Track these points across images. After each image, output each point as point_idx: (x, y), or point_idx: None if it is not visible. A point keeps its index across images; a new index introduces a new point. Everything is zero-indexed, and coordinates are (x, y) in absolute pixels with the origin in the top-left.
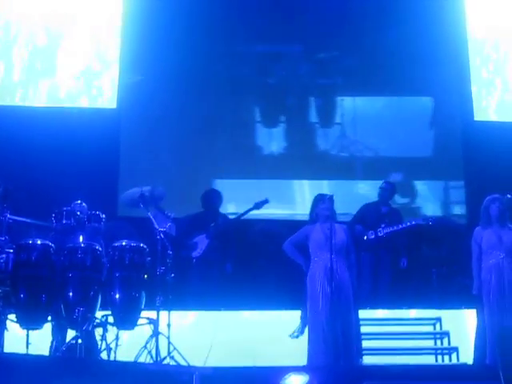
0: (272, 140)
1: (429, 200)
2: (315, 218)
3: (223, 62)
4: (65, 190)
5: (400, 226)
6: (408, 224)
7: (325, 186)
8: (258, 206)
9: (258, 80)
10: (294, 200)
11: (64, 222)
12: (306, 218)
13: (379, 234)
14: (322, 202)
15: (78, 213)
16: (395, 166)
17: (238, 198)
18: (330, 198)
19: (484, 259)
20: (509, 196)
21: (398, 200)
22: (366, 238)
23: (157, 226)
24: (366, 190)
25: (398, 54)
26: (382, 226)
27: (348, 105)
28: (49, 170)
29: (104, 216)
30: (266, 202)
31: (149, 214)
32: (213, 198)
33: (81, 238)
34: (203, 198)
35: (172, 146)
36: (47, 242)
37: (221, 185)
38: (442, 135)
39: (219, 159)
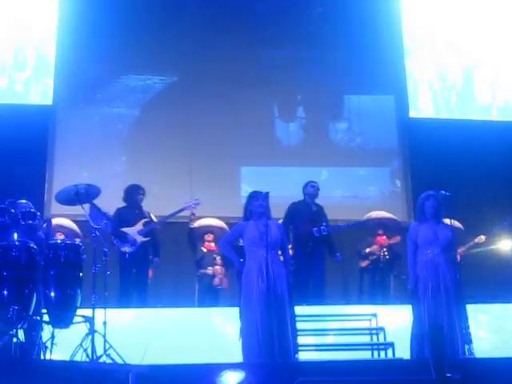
0: (289, 133)
1: None
2: (249, 215)
3: (246, 64)
4: None
5: (345, 226)
6: (351, 225)
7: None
8: (189, 206)
9: (276, 81)
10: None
11: None
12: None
13: (323, 233)
14: (255, 199)
15: (12, 210)
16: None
17: (261, 183)
18: (265, 195)
19: (419, 254)
20: (443, 192)
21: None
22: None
23: (92, 224)
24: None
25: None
26: (324, 224)
27: (354, 102)
28: None
29: (39, 214)
30: (197, 203)
31: (84, 211)
32: (138, 194)
33: (15, 236)
34: (128, 194)
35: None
36: None
37: (246, 171)
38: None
39: (244, 149)
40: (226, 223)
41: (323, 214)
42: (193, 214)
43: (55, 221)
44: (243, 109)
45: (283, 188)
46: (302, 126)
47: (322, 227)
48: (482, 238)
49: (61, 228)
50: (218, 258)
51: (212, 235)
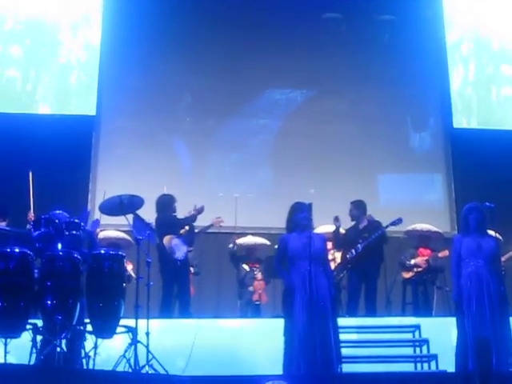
0: (421, 142)
1: None
2: (293, 227)
3: (381, 81)
4: (42, 199)
5: (373, 237)
6: (379, 232)
7: None
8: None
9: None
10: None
11: (42, 230)
12: None
13: (358, 251)
14: (300, 211)
15: (57, 221)
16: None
17: (394, 190)
18: (309, 206)
19: (463, 266)
20: (487, 204)
21: None
22: (348, 256)
23: (136, 235)
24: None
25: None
26: (360, 241)
27: None
28: (26, 178)
29: (83, 224)
30: (220, 221)
31: (128, 222)
32: (174, 202)
33: (59, 246)
34: (165, 203)
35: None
36: (25, 250)
37: (382, 178)
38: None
39: (381, 158)
40: (268, 239)
41: (372, 227)
42: (236, 237)
43: (105, 234)
44: (379, 123)
45: (416, 193)
46: (432, 135)
47: (358, 245)
48: None
49: (110, 240)
50: (259, 274)
51: (253, 253)
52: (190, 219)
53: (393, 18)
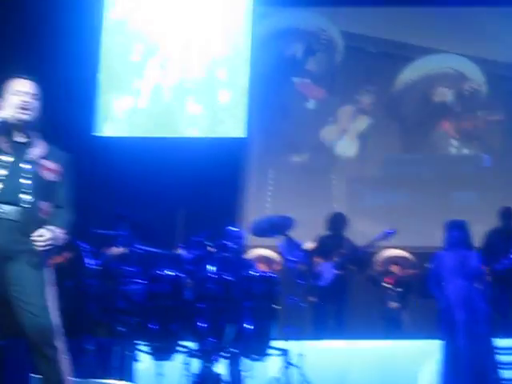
0: None
1: None
2: (447, 245)
3: None
4: (191, 222)
5: None
6: None
7: None
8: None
9: None
10: None
11: (194, 252)
12: None
13: None
14: (452, 230)
15: (208, 244)
16: None
17: None
18: (464, 224)
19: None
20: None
21: None
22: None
23: (286, 256)
24: None
25: None
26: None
27: None
28: (176, 201)
29: (236, 246)
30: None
31: (278, 242)
32: (340, 222)
33: (211, 268)
34: (331, 222)
35: None
36: (178, 273)
37: None
38: None
39: None
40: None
41: None
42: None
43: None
44: None
45: None
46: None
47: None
48: None
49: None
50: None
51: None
52: (367, 247)
53: None
